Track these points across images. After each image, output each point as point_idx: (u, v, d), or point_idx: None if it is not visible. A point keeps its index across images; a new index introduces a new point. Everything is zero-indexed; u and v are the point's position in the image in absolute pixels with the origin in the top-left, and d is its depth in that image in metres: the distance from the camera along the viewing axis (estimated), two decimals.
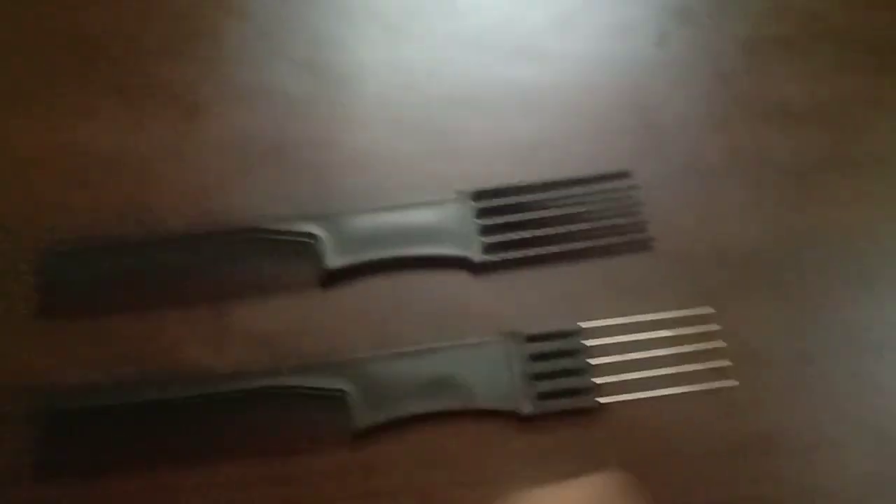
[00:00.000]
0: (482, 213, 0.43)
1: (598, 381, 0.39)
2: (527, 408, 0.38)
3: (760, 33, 0.51)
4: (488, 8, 0.51)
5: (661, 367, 0.39)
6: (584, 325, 0.40)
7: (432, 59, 0.49)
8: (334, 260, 0.41)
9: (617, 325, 0.40)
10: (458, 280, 0.42)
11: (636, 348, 0.39)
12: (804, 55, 0.50)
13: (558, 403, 0.39)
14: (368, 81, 0.49)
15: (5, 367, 0.40)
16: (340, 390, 0.38)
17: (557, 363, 0.39)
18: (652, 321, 0.40)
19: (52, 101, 0.48)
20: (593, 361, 0.39)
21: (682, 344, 0.39)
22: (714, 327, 0.40)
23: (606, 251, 0.43)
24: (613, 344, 0.39)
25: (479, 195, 0.43)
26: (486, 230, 0.42)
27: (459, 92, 0.48)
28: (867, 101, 0.49)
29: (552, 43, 0.50)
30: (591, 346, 0.40)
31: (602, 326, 0.40)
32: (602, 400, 0.39)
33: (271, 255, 0.42)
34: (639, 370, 0.39)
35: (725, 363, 0.39)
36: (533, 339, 0.40)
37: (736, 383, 0.39)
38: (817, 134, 0.47)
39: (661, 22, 0.51)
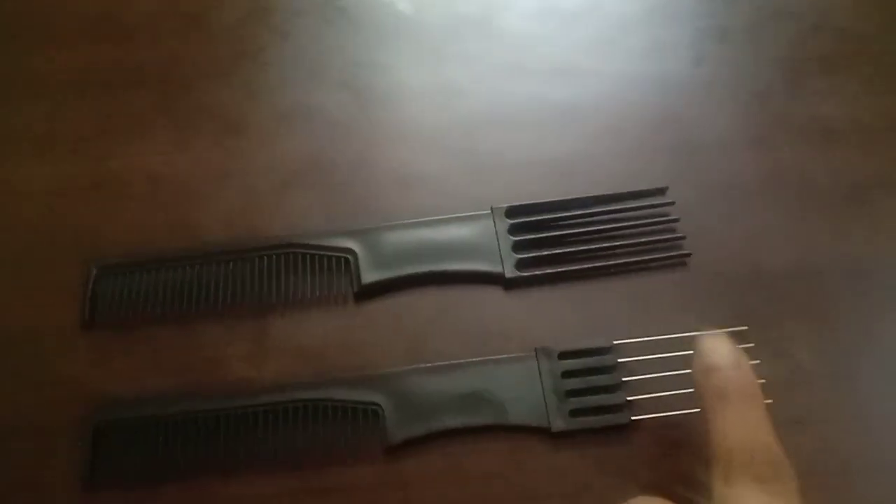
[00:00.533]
0: (516, 229, 0.43)
1: (631, 398, 0.39)
2: (559, 424, 0.38)
3: (799, 53, 0.51)
4: (525, 29, 0.52)
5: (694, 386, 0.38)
6: (617, 342, 0.40)
7: (469, 79, 0.50)
8: (370, 275, 0.42)
9: (650, 342, 0.40)
10: (491, 296, 0.43)
11: (669, 366, 0.39)
12: (844, 76, 0.50)
13: (590, 420, 0.39)
14: (406, 102, 0.50)
15: (54, 379, 0.42)
16: (375, 404, 0.39)
17: (590, 380, 0.39)
18: (685, 339, 0.40)
19: (100, 123, 0.50)
20: (626, 379, 0.39)
21: None
22: (749, 345, 0.40)
23: (641, 268, 0.43)
24: (646, 361, 0.39)
25: (513, 211, 0.44)
26: (520, 246, 0.43)
27: (495, 111, 0.49)
28: None
29: (589, 63, 0.51)
30: (624, 364, 0.39)
31: (635, 343, 0.40)
32: (634, 417, 0.39)
33: (309, 271, 0.43)
34: (671, 388, 0.38)
35: (760, 381, 0.39)
36: (565, 355, 0.40)
37: (770, 401, 0.38)
38: (858, 156, 0.47)
39: (698, 42, 0.51)
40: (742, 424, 0.26)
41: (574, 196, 0.44)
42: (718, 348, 0.28)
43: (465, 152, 0.48)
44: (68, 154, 0.48)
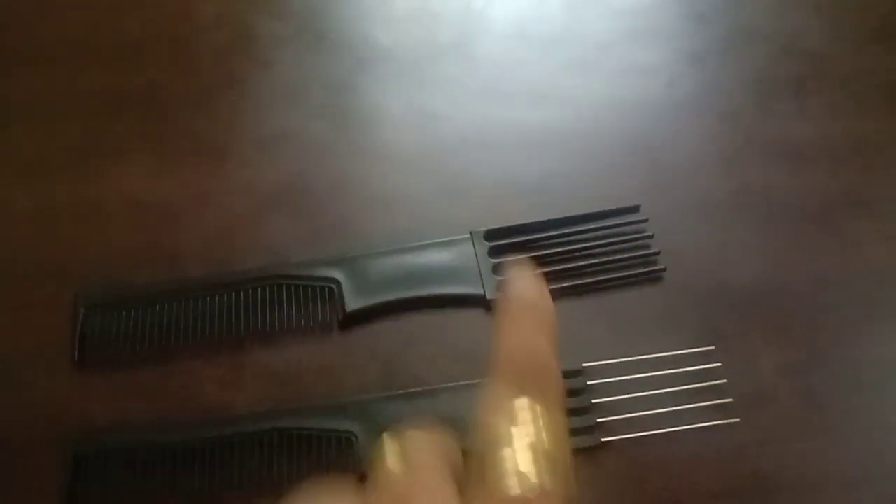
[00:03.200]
0: (495, 251, 0.44)
1: (601, 420, 0.40)
2: None
3: (770, 75, 0.52)
4: (502, 53, 0.53)
5: (663, 406, 0.39)
6: (586, 364, 0.41)
7: (446, 103, 0.51)
8: (354, 303, 0.43)
9: (620, 363, 0.40)
10: (472, 319, 0.43)
11: (639, 387, 0.40)
12: (813, 98, 0.51)
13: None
14: (384, 126, 0.51)
15: (37, 406, 0.42)
16: (349, 432, 0.40)
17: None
18: (655, 359, 0.41)
19: (82, 147, 0.50)
20: (596, 401, 0.40)
21: (684, 382, 0.40)
22: (716, 365, 0.41)
23: (619, 285, 0.44)
24: (616, 383, 0.40)
25: (492, 234, 0.45)
26: (499, 269, 0.44)
27: (473, 135, 0.50)
28: (878, 143, 0.49)
29: (564, 86, 0.52)
30: (595, 385, 0.40)
31: (605, 365, 0.41)
32: (605, 439, 0.39)
33: (292, 300, 0.43)
34: (641, 409, 0.39)
35: (727, 400, 0.40)
36: None
37: (737, 420, 0.39)
38: (825, 176, 0.48)
39: (671, 65, 0.52)
40: (521, 341, 0.27)
41: (551, 217, 0.45)
42: (521, 283, 0.29)
43: (443, 175, 0.48)
44: (50, 178, 0.49)
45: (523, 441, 0.22)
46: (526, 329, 0.27)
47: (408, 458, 0.23)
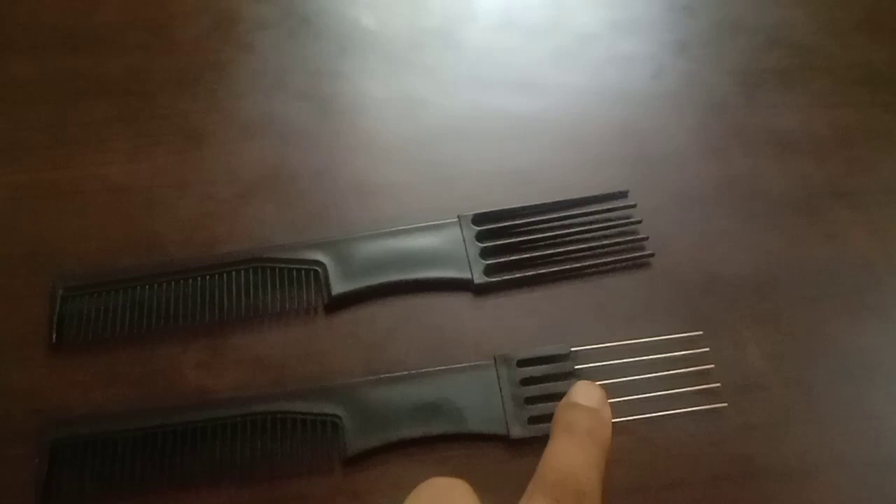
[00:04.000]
0: (483, 236, 0.44)
1: None
2: (517, 431, 0.38)
3: (756, 66, 0.52)
4: (488, 42, 0.53)
5: (650, 391, 0.39)
6: (575, 348, 0.40)
7: (432, 90, 0.51)
8: (339, 286, 0.42)
9: (607, 347, 0.40)
10: (458, 303, 0.43)
11: (626, 372, 0.39)
12: (800, 88, 0.51)
13: (547, 427, 0.38)
14: (368, 112, 0.50)
15: (13, 393, 0.41)
16: (334, 415, 0.39)
17: (548, 387, 0.39)
18: (642, 344, 0.40)
19: (60, 132, 0.49)
20: None
21: (672, 367, 0.40)
22: (704, 350, 0.40)
23: (607, 269, 0.43)
24: (603, 367, 0.40)
25: (480, 218, 0.44)
26: (488, 252, 0.43)
27: (458, 122, 0.50)
28: (863, 134, 0.49)
29: (551, 76, 0.51)
30: (582, 370, 0.40)
31: (593, 350, 0.40)
32: None
33: (276, 283, 0.43)
34: (629, 394, 0.39)
35: (715, 385, 0.39)
36: (524, 362, 0.40)
37: (725, 405, 0.39)
38: (811, 166, 0.48)
39: (657, 55, 0.52)
40: (572, 455, 0.27)
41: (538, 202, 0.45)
42: (586, 390, 0.29)
43: (428, 162, 0.48)
44: (27, 163, 0.48)
45: None
46: (579, 443, 0.27)
47: None
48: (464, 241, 0.43)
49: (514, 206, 0.45)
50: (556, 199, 0.45)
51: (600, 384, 0.38)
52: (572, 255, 0.43)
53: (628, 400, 0.38)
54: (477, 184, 0.47)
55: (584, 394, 0.30)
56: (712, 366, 0.40)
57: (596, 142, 0.49)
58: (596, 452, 0.28)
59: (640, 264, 0.44)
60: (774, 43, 0.53)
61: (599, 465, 0.27)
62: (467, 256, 0.43)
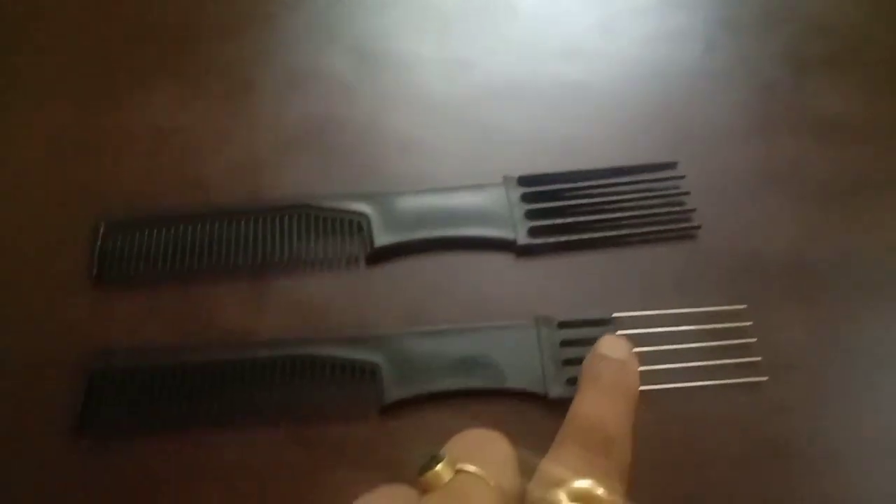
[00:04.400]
0: (528, 197, 0.44)
1: None
2: (556, 391, 0.38)
3: (805, 50, 0.52)
4: (540, 8, 0.53)
5: (690, 361, 0.39)
6: (617, 314, 0.40)
7: (480, 53, 0.51)
8: (382, 238, 0.42)
9: (649, 315, 0.40)
10: (500, 263, 0.43)
11: (667, 340, 0.39)
12: (848, 74, 0.51)
13: None
14: (415, 71, 0.50)
15: (55, 324, 0.42)
16: (374, 363, 0.39)
17: (587, 350, 0.39)
18: (684, 314, 0.40)
19: (108, 76, 0.50)
20: None
21: (713, 339, 0.40)
22: (746, 324, 0.40)
23: (652, 239, 0.43)
24: (645, 335, 0.40)
25: (526, 181, 0.44)
26: (532, 215, 0.43)
27: (505, 86, 0.49)
28: None
29: (600, 45, 0.51)
30: (623, 336, 0.40)
31: (635, 317, 0.40)
32: None
33: (320, 231, 0.43)
34: (668, 362, 0.39)
35: (756, 359, 0.39)
36: (565, 325, 0.40)
37: (765, 379, 0.39)
38: (857, 152, 0.47)
39: (708, 32, 0.52)
40: (599, 404, 0.27)
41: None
42: (612, 344, 0.29)
43: (472, 124, 0.48)
44: (73, 103, 0.48)
45: None
46: (607, 393, 0.28)
47: (456, 491, 0.23)
48: (509, 201, 0.43)
49: (560, 170, 0.45)
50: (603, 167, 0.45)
51: (641, 350, 0.39)
52: (618, 223, 0.43)
53: (669, 368, 0.38)
54: (522, 148, 0.47)
55: (611, 346, 0.30)
56: (754, 339, 0.40)
57: (643, 114, 0.48)
58: (623, 402, 0.28)
59: (685, 236, 0.43)
60: (824, 28, 0.53)
61: (628, 415, 0.27)
62: (512, 217, 0.43)
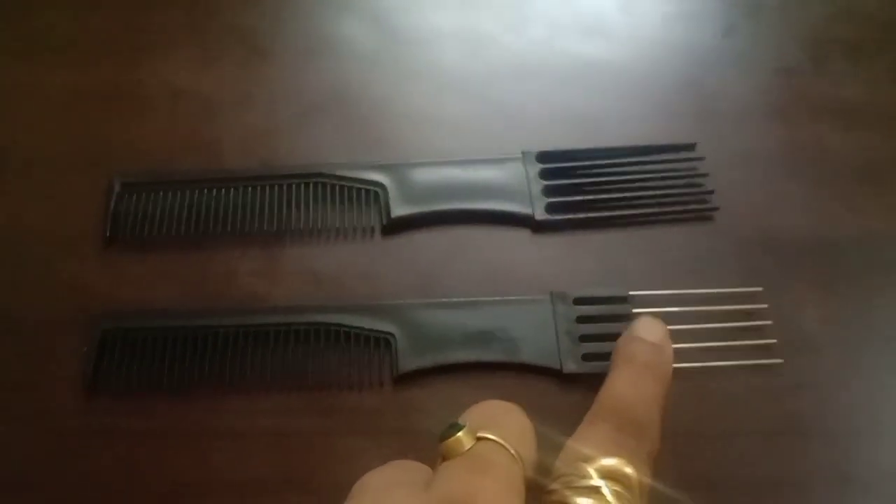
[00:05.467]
0: (546, 174, 0.43)
1: None
2: (570, 366, 0.38)
3: (827, 34, 0.51)
4: None
5: (705, 341, 0.39)
6: (633, 292, 0.40)
7: (500, 28, 0.50)
8: (399, 209, 0.42)
9: (665, 295, 0.40)
10: (516, 238, 0.43)
11: (683, 320, 0.39)
12: (869, 60, 0.50)
13: (602, 365, 0.38)
14: (435, 44, 0.50)
15: (68, 282, 0.41)
16: (388, 333, 0.39)
17: (604, 326, 0.39)
18: (700, 294, 0.40)
19: (126, 34, 0.49)
20: None
21: (729, 320, 0.40)
22: (762, 306, 0.40)
23: (670, 219, 0.43)
24: (661, 313, 0.39)
25: (545, 156, 0.44)
26: (550, 191, 0.43)
27: (525, 62, 0.49)
28: None
29: (621, 24, 0.51)
30: (639, 314, 0.40)
31: (651, 295, 0.40)
32: None
33: (336, 200, 0.43)
34: (683, 341, 0.39)
35: (771, 341, 0.39)
36: (581, 301, 0.40)
37: (780, 361, 0.39)
38: (875, 137, 0.47)
39: (729, 14, 0.52)
40: (632, 385, 0.27)
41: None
42: (649, 325, 0.29)
43: (491, 99, 0.48)
44: (92, 62, 0.48)
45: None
46: (641, 375, 0.27)
47: (478, 457, 0.23)
48: (527, 177, 0.43)
49: (579, 147, 0.44)
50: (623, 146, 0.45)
51: None
52: (636, 202, 0.43)
53: (684, 347, 0.38)
54: (540, 124, 0.47)
55: (647, 328, 0.30)
56: (769, 322, 0.40)
57: (662, 94, 0.48)
58: (656, 387, 0.28)
59: (703, 217, 0.43)
60: (846, 14, 0.52)
61: (659, 400, 0.28)
62: (529, 192, 0.43)
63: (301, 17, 0.50)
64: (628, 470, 0.24)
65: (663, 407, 0.27)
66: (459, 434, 0.23)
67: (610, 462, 0.25)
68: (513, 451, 0.23)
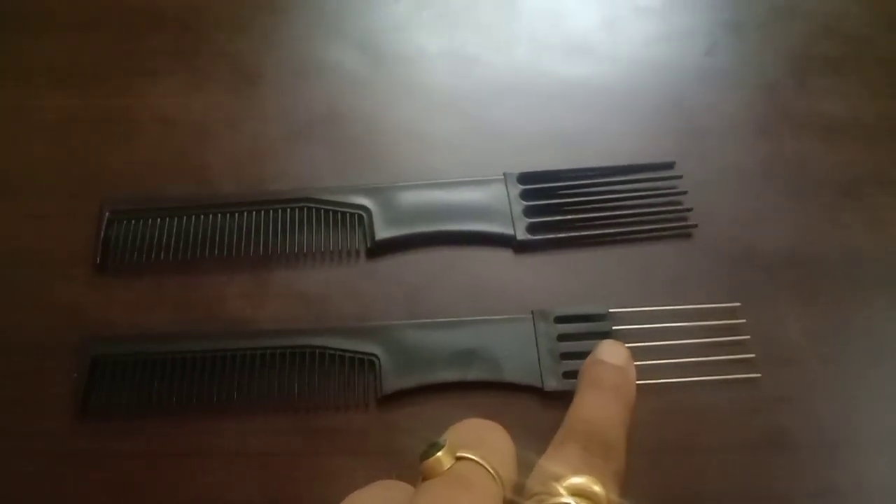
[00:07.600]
0: (528, 194, 0.44)
1: None
2: (551, 384, 0.39)
3: (808, 52, 0.52)
4: (544, 4, 0.53)
5: (686, 356, 0.39)
6: (613, 310, 0.41)
7: (485, 48, 0.51)
8: (382, 231, 0.43)
9: (645, 311, 0.40)
10: (499, 258, 0.43)
11: (662, 336, 0.40)
12: (851, 77, 0.51)
13: None
14: (421, 65, 0.50)
15: (59, 307, 0.42)
16: (372, 354, 0.40)
17: (585, 344, 0.40)
18: (680, 311, 0.41)
19: (117, 62, 0.50)
20: None
21: (708, 335, 0.40)
22: (741, 321, 0.41)
23: (648, 237, 0.44)
24: (640, 330, 0.40)
25: (526, 177, 0.45)
26: (532, 211, 0.44)
27: (510, 81, 0.50)
28: None
29: (604, 44, 0.52)
30: (619, 331, 0.40)
31: (631, 312, 0.41)
32: None
33: (321, 224, 0.43)
34: (663, 357, 0.39)
35: (750, 356, 0.40)
36: (562, 319, 0.41)
37: (759, 376, 0.39)
38: (856, 152, 0.48)
39: (711, 33, 0.52)
40: (599, 408, 0.28)
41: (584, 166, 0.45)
42: (613, 349, 0.30)
43: (477, 118, 0.48)
44: (80, 89, 0.49)
45: None
46: (605, 397, 0.28)
47: (457, 477, 0.23)
48: (508, 197, 0.44)
49: (560, 168, 0.45)
50: (603, 165, 0.45)
51: (636, 346, 0.39)
52: (615, 221, 0.44)
53: (664, 363, 0.39)
54: (524, 143, 0.47)
55: (611, 352, 0.30)
56: (748, 337, 0.40)
57: (645, 112, 0.49)
58: (622, 409, 0.28)
59: (682, 234, 0.44)
60: (828, 31, 0.53)
61: (625, 423, 0.28)
62: (511, 213, 0.43)
63: (289, 41, 0.51)
64: (597, 488, 0.25)
65: (628, 428, 0.27)
66: (439, 454, 0.24)
67: (579, 480, 0.25)
68: (492, 471, 0.24)
